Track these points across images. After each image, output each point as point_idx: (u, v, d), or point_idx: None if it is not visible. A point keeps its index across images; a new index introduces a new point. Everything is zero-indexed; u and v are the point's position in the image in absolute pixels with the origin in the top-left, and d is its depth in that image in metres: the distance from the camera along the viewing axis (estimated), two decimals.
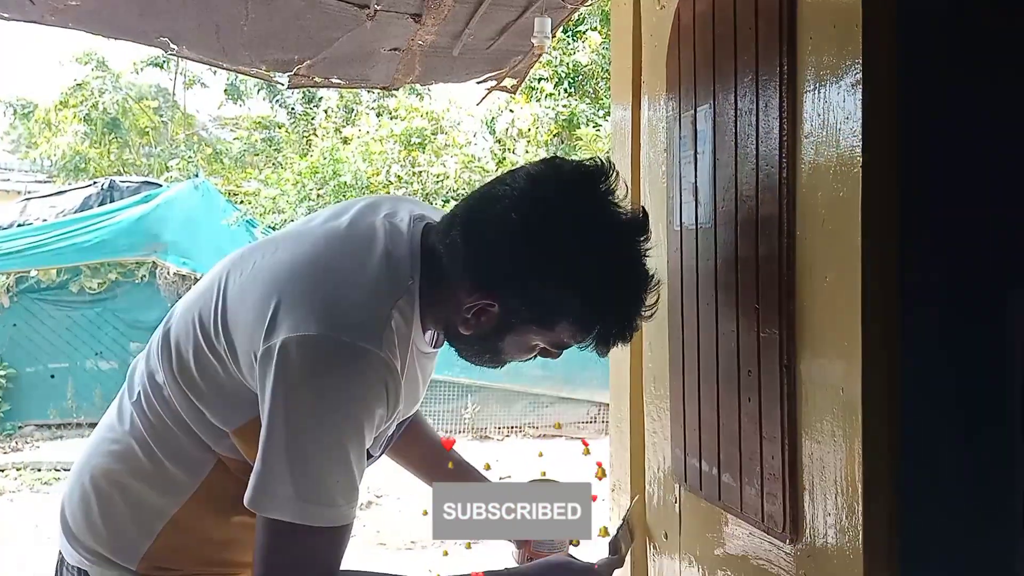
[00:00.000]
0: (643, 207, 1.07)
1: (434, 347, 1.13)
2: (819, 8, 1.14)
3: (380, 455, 1.17)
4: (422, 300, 1.04)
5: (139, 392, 1.10)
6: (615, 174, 1.02)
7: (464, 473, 1.40)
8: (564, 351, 1.10)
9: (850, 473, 1.01)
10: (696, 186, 1.41)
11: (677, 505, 1.46)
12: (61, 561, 1.14)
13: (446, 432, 7.13)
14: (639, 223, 1.03)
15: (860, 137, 1.04)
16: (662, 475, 1.52)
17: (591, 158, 1.05)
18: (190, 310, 1.08)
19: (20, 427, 7.32)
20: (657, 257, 1.64)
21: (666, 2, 1.59)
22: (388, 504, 5.65)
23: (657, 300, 1.06)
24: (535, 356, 1.12)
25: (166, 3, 2.27)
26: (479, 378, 7.75)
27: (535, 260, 0.98)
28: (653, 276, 1.05)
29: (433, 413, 7.46)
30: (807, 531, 1.08)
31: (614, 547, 1.39)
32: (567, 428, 7.88)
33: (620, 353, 1.76)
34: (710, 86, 1.37)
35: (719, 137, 1.34)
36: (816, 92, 1.13)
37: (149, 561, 1.07)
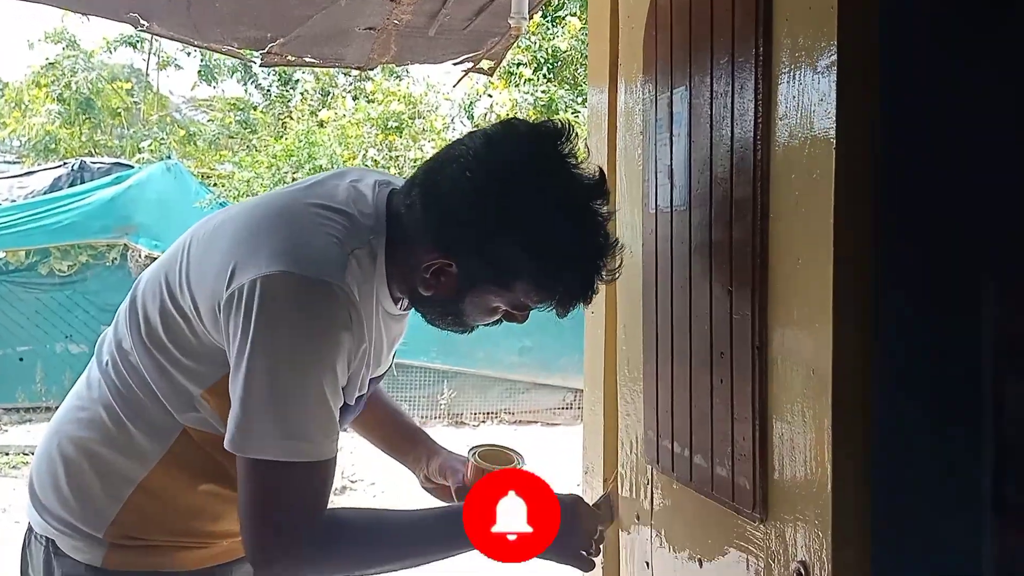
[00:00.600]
0: (600, 168, 1.06)
1: (402, 310, 1.14)
2: None
3: (356, 411, 1.16)
4: (387, 261, 1.05)
5: (107, 360, 1.09)
6: (574, 136, 1.02)
7: (415, 436, 1.40)
8: (529, 313, 1.10)
9: (820, 453, 1.01)
10: (672, 168, 1.41)
11: (649, 487, 1.46)
12: (29, 531, 1.14)
13: (422, 419, 7.13)
14: (597, 185, 1.03)
15: (834, 119, 1.05)
16: (634, 457, 1.53)
17: (550, 119, 1.04)
18: (156, 276, 1.09)
19: None
20: (632, 240, 1.65)
21: None
22: (362, 489, 5.64)
23: (620, 264, 1.06)
24: (500, 320, 1.12)
25: None
26: (455, 364, 7.75)
27: (490, 221, 0.99)
28: (614, 239, 1.05)
29: (409, 399, 7.45)
30: (777, 512, 1.09)
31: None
32: (542, 414, 7.90)
33: (594, 336, 1.76)
34: (687, 68, 1.36)
35: (695, 119, 1.33)
36: (791, 74, 1.13)
37: (117, 528, 1.06)
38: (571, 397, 7.91)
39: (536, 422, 7.75)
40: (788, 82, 1.13)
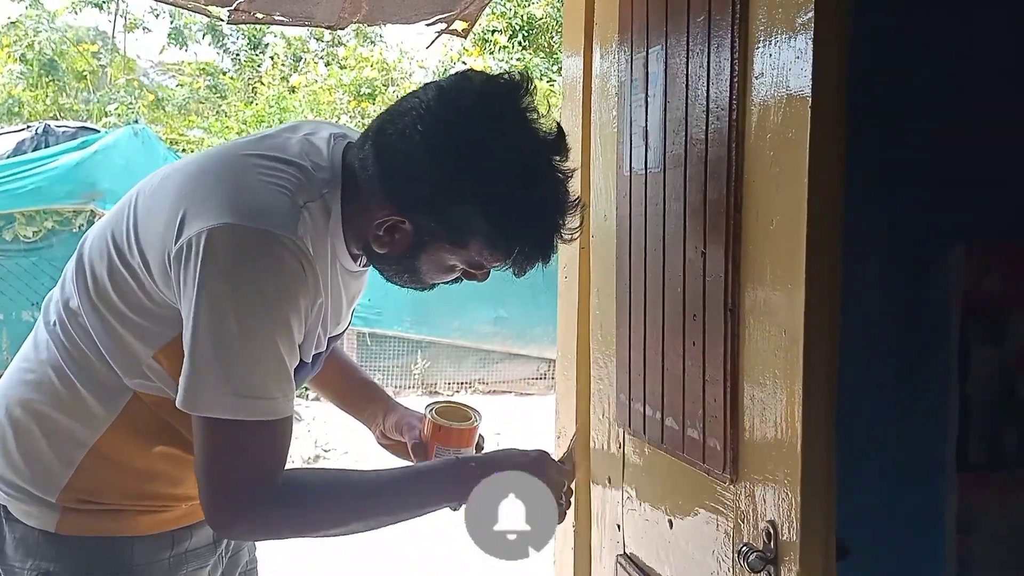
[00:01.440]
0: (559, 123, 1.01)
1: (361, 267, 1.11)
2: None
3: (314, 370, 1.13)
4: (342, 216, 1.02)
5: (54, 320, 1.05)
6: (532, 89, 0.98)
7: (372, 392, 1.38)
8: (488, 272, 1.06)
9: (790, 414, 1.01)
10: (646, 130, 1.39)
11: (621, 450, 1.47)
12: None
13: (395, 389, 7.12)
14: (556, 140, 0.98)
15: (810, 78, 1.03)
16: (607, 420, 1.53)
17: (507, 72, 1.00)
18: (103, 232, 1.04)
19: None
20: (606, 204, 1.63)
21: None
22: (335, 458, 5.64)
23: (581, 223, 1.03)
24: (459, 279, 1.08)
25: None
26: (429, 334, 7.74)
27: (442, 177, 0.95)
28: (574, 197, 1.01)
29: (382, 368, 7.43)
30: (747, 473, 1.09)
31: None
32: (516, 384, 7.92)
33: (568, 302, 1.75)
34: (663, 27, 1.34)
35: (670, 79, 1.32)
36: (768, 32, 1.11)
37: (70, 493, 1.03)
38: (545, 367, 7.94)
39: (510, 392, 7.77)
40: (764, 40, 1.11)
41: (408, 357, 7.82)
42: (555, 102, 7.48)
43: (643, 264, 1.37)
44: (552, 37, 8.95)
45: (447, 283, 1.10)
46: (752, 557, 1.03)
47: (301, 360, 1.02)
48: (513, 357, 8.06)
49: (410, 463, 1.25)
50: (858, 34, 1.07)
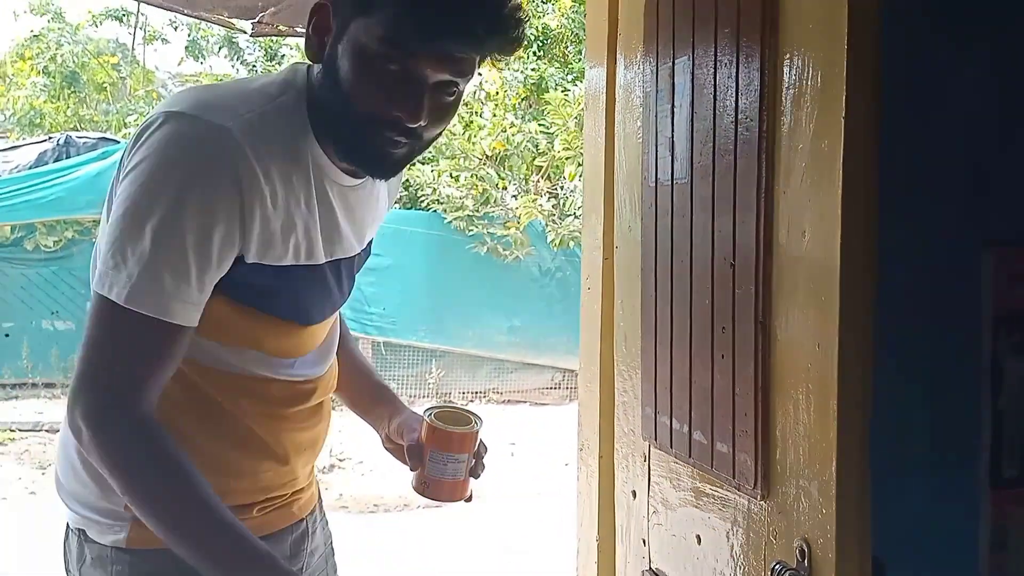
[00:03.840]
0: None
1: (358, 180, 1.06)
2: None
3: (329, 296, 1.08)
4: (316, 123, 0.99)
5: None
6: None
7: (381, 395, 1.33)
8: (417, 80, 0.92)
9: (824, 429, 1.00)
10: (673, 141, 1.38)
11: (646, 463, 1.45)
12: (66, 527, 1.08)
13: (410, 398, 7.12)
14: None
15: (844, 89, 1.02)
16: (632, 434, 1.52)
17: None
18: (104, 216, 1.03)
19: None
20: (631, 215, 1.62)
21: None
22: (350, 467, 5.63)
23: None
24: (394, 102, 0.92)
25: None
26: (444, 343, 7.74)
27: None
28: None
29: (397, 377, 7.43)
30: (779, 488, 1.08)
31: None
32: (531, 394, 7.90)
33: (591, 312, 1.74)
34: (689, 37, 1.34)
35: (697, 90, 1.31)
36: (798, 42, 1.10)
37: None
38: (560, 376, 7.91)
39: (525, 401, 7.75)
40: (795, 51, 1.10)
41: (423, 366, 7.83)
42: (570, 112, 7.48)
43: (670, 275, 1.36)
44: (567, 47, 8.96)
45: (387, 119, 0.94)
46: (786, 575, 1.01)
47: (296, 274, 0.99)
48: (528, 367, 8.04)
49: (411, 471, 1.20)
50: (891, 40, 1.06)
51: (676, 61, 1.38)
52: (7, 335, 7.29)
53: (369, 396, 1.33)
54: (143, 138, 0.91)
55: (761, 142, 1.14)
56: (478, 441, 1.19)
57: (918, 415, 1.30)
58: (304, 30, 1.00)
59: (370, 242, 1.21)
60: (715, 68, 1.26)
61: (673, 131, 1.38)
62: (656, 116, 1.45)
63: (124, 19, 11.91)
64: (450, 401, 7.53)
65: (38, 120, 10.58)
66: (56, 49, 10.90)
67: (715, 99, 1.25)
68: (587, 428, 1.72)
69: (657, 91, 1.45)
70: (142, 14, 12.19)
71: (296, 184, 0.97)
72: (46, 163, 7.52)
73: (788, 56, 1.12)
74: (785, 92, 1.12)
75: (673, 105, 1.38)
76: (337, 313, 1.19)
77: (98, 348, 0.91)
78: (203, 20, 2.47)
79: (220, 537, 0.92)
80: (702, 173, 1.28)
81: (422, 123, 0.94)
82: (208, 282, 0.93)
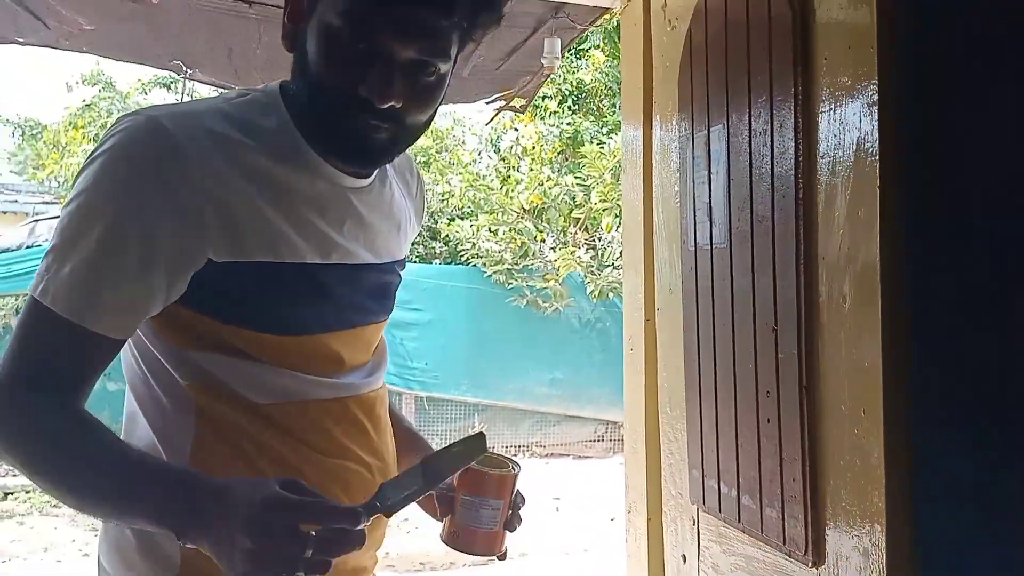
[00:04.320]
0: None
1: (365, 181, 0.99)
2: (833, 30, 1.14)
3: (331, 305, 0.98)
4: (296, 115, 0.94)
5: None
6: None
7: (412, 441, 1.18)
8: (385, 65, 0.88)
9: (873, 496, 1.00)
10: (711, 206, 1.41)
11: (696, 527, 1.45)
12: None
13: None
14: None
15: (878, 157, 1.05)
16: (680, 496, 1.52)
17: None
18: None
19: None
20: (671, 277, 1.65)
21: (677, 23, 1.60)
22: (396, 525, 5.63)
23: None
24: (363, 74, 0.88)
25: (179, 26, 2.29)
26: (486, 397, 7.74)
27: None
28: None
29: (440, 432, 7.43)
30: (829, 554, 1.08)
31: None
32: (574, 447, 7.84)
33: (634, 374, 1.75)
34: (723, 106, 1.37)
35: (733, 157, 1.34)
36: (832, 112, 1.13)
37: (188, 570, 0.91)
38: (603, 429, 7.85)
39: (568, 455, 7.68)
40: (829, 120, 1.13)
41: (465, 420, 7.81)
42: (606, 165, 7.56)
43: (712, 339, 1.38)
44: (601, 100, 9.07)
45: (356, 101, 0.89)
46: None
47: (281, 275, 0.91)
48: (570, 419, 7.98)
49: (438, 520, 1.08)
50: (923, 106, 1.08)
51: (712, 129, 1.41)
52: None
53: (401, 445, 1.21)
54: (103, 140, 0.87)
55: (798, 208, 1.16)
56: (515, 489, 1.06)
57: (965, 475, 1.28)
58: None
59: (399, 261, 1.10)
60: (750, 136, 1.29)
61: (711, 196, 1.41)
62: (694, 182, 1.48)
63: (172, 87, 12.35)
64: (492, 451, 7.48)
65: None
66: (107, 117, 11.31)
67: (751, 166, 1.28)
68: (634, 490, 1.72)
69: (694, 157, 1.48)
70: (188, 81, 12.63)
71: (271, 177, 0.91)
72: None
73: (822, 125, 1.14)
74: (820, 160, 1.14)
75: (710, 171, 1.41)
76: (370, 337, 1.06)
77: (11, 342, 0.85)
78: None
79: (114, 471, 0.83)
80: (741, 238, 1.30)
81: (394, 103, 0.88)
82: (156, 288, 0.86)
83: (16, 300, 7.27)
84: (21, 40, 2.27)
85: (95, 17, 2.23)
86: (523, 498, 1.08)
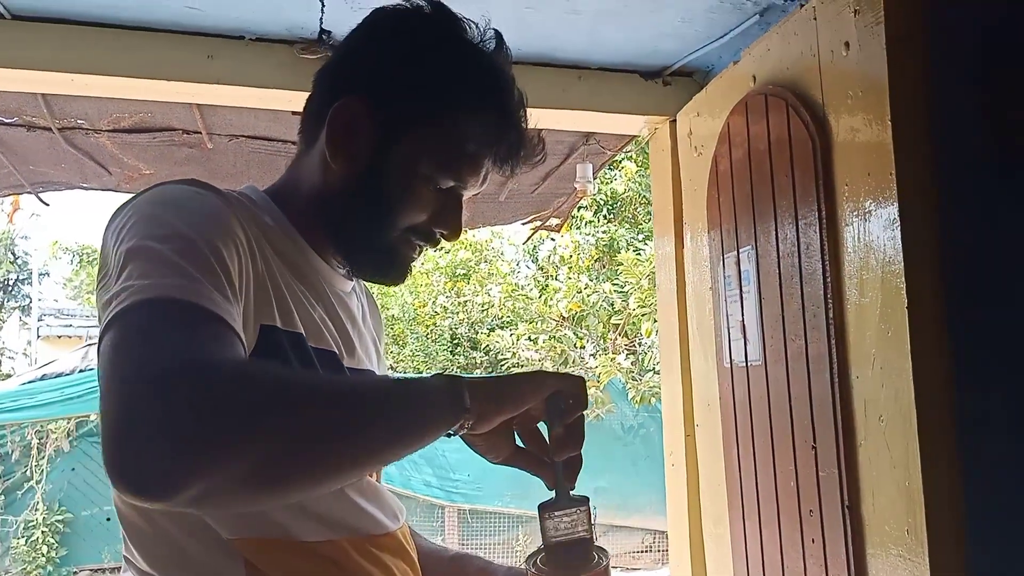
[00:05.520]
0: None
1: (348, 278, 0.93)
2: (852, 157, 1.19)
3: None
4: (298, 218, 0.86)
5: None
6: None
7: (462, 563, 1.07)
8: (459, 203, 0.86)
9: None
10: (743, 324, 1.44)
11: None
12: None
13: None
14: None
15: (903, 278, 1.08)
16: None
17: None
18: None
19: (75, 572, 7.31)
20: (708, 392, 1.66)
21: (702, 149, 1.67)
22: None
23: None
24: (430, 222, 0.85)
25: (232, 166, 2.44)
26: (530, 508, 7.58)
27: (403, 53, 0.81)
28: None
29: (484, 545, 7.29)
30: None
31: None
32: (622, 559, 7.61)
33: (676, 490, 1.75)
34: (751, 228, 1.43)
35: (763, 277, 1.38)
36: (856, 236, 1.17)
37: None
38: (651, 539, 7.62)
39: (617, 567, 7.46)
40: (854, 243, 1.17)
41: (509, 532, 7.65)
42: (643, 271, 7.64)
43: (752, 456, 1.39)
44: (635, 208, 9.23)
45: (418, 225, 0.86)
46: None
47: (282, 341, 0.78)
48: (617, 529, 7.78)
49: None
50: (945, 223, 1.11)
51: (741, 250, 1.46)
52: (108, 519, 7.50)
53: (450, 569, 1.06)
54: (120, 212, 0.74)
55: (829, 328, 1.19)
56: None
57: None
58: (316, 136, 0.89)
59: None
60: (778, 257, 1.33)
61: (743, 315, 1.45)
62: (726, 300, 1.52)
63: None
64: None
65: None
66: None
67: (781, 287, 1.32)
68: None
69: (725, 276, 1.52)
70: None
71: (283, 254, 0.86)
72: None
73: (848, 248, 1.18)
74: (848, 281, 1.18)
75: (741, 291, 1.46)
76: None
77: (138, 355, 0.59)
78: None
79: (384, 394, 0.70)
80: (775, 357, 1.33)
81: None
82: (232, 298, 0.72)
83: (68, 423, 7.41)
84: (85, 186, 2.43)
85: (154, 163, 2.39)
86: None
